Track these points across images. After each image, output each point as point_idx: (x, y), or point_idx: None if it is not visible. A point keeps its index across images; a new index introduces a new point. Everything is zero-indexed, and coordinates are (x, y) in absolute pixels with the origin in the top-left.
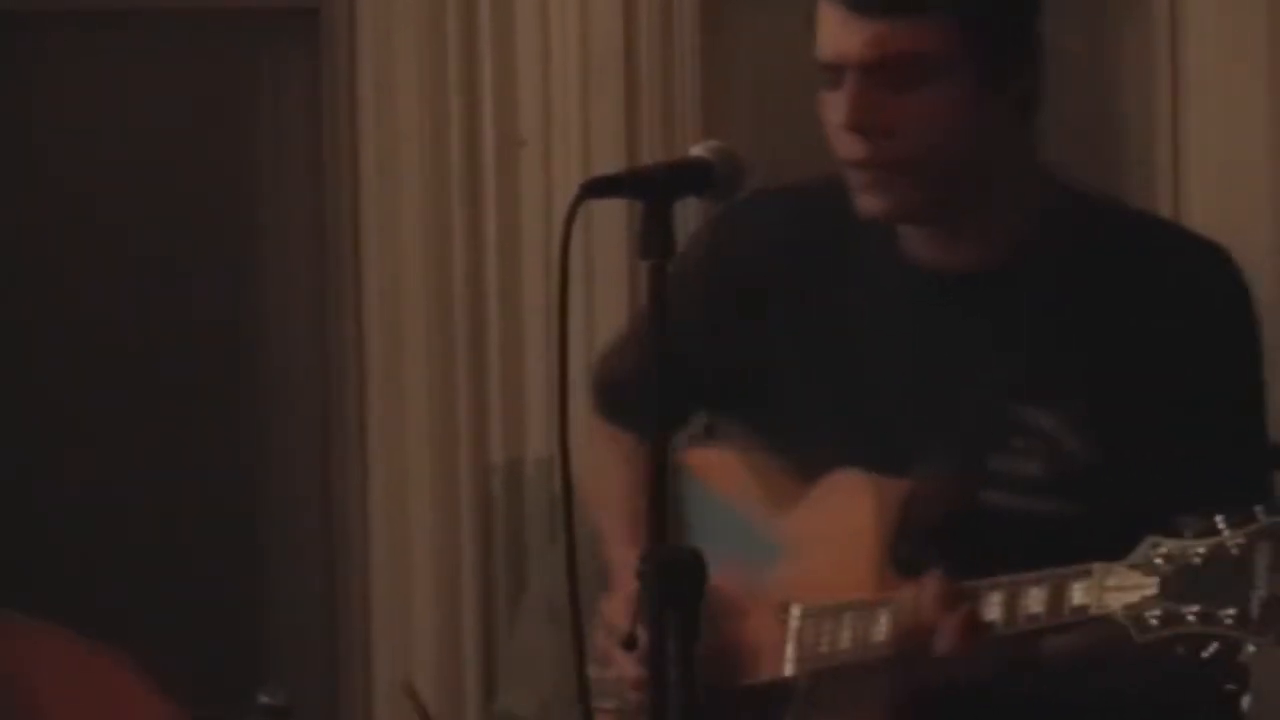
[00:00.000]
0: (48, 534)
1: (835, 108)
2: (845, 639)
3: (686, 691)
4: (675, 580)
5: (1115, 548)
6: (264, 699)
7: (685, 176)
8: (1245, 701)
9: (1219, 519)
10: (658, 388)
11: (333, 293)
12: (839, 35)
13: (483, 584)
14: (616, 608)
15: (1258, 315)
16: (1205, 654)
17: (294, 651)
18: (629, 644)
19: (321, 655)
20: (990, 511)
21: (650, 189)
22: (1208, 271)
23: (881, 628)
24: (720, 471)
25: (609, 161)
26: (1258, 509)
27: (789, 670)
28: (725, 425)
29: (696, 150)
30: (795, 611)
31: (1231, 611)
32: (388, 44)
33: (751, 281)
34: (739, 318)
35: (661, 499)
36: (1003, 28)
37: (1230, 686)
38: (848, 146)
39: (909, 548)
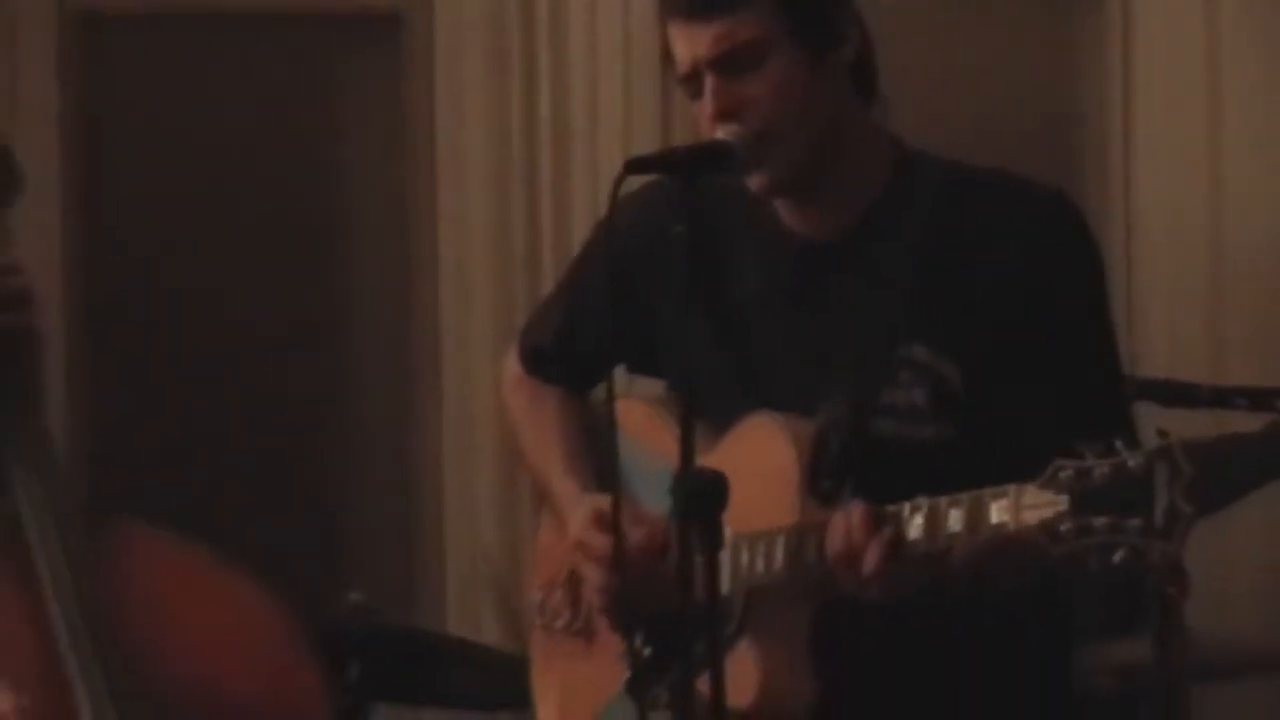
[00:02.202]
0: (167, 456)
1: (703, 108)
2: (779, 560)
3: (711, 592)
4: (705, 493)
5: (990, 467)
6: (353, 597)
7: (711, 156)
8: (1185, 604)
9: (1117, 443)
10: (687, 334)
11: (413, 257)
12: (690, 45)
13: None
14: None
15: (1098, 248)
16: (1115, 560)
17: (373, 553)
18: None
19: (399, 554)
20: (886, 440)
21: (681, 167)
22: (1047, 212)
23: (812, 550)
24: (638, 422)
25: (647, 145)
26: (1156, 432)
27: (724, 589)
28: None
29: (720, 134)
30: (731, 536)
31: (1137, 521)
32: (459, 45)
33: (640, 261)
34: (634, 293)
35: (688, 431)
36: (812, 9)
37: (1171, 590)
38: (728, 134)
39: (827, 480)
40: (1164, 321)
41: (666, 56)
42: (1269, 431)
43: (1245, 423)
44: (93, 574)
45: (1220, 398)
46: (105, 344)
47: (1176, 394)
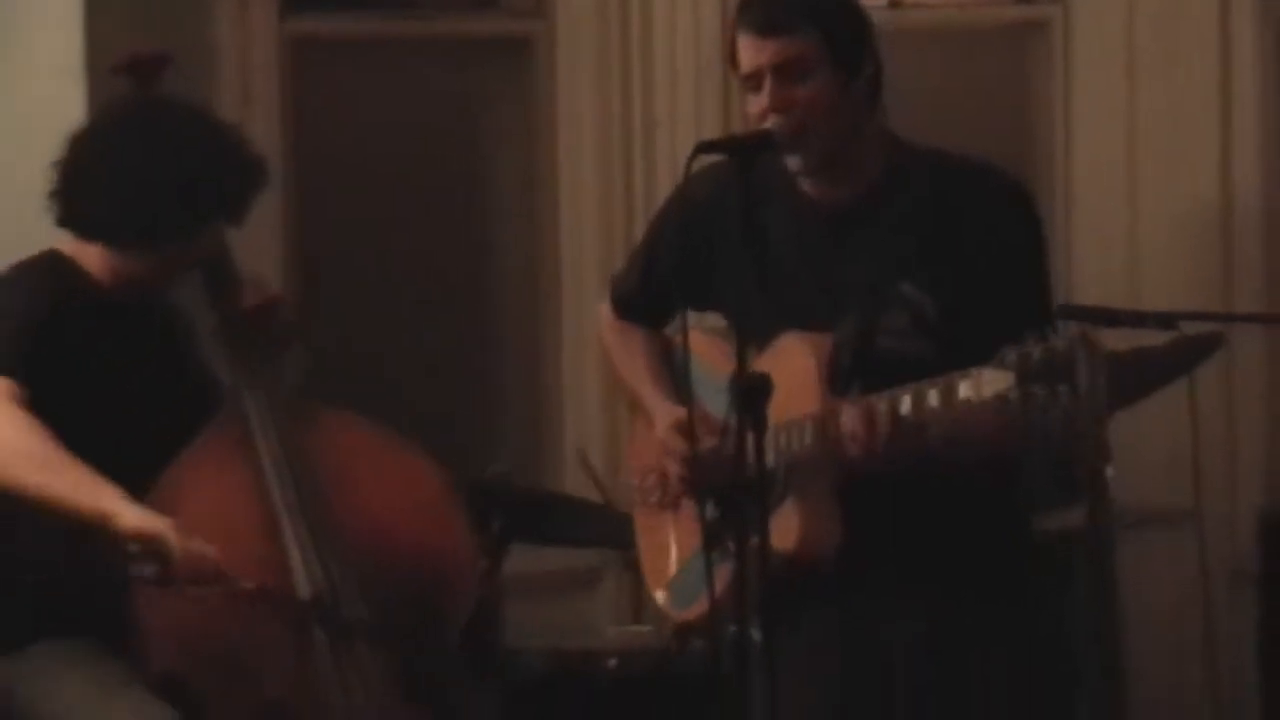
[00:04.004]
0: (364, 363)
1: (758, 102)
2: (809, 438)
3: (759, 462)
4: (752, 392)
5: (957, 370)
6: (496, 466)
7: (760, 141)
8: (1109, 471)
9: (1048, 332)
10: (740, 275)
11: (541, 220)
12: (754, 54)
13: None
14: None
15: (1040, 218)
16: (1052, 417)
17: (511, 434)
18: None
19: (530, 434)
20: (882, 352)
21: (738, 149)
22: (1005, 191)
23: (832, 430)
24: (704, 347)
25: (712, 133)
26: (1072, 324)
27: (769, 463)
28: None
29: (767, 125)
30: (771, 425)
31: (1065, 387)
32: (574, 62)
33: (702, 221)
34: (698, 245)
35: (742, 350)
36: (848, 40)
37: (1098, 461)
38: (770, 124)
39: (839, 380)
40: (1094, 264)
41: (731, 59)
42: (1172, 344)
43: (1155, 338)
44: (299, 448)
45: (1136, 319)
46: (313, 286)
47: (1103, 317)
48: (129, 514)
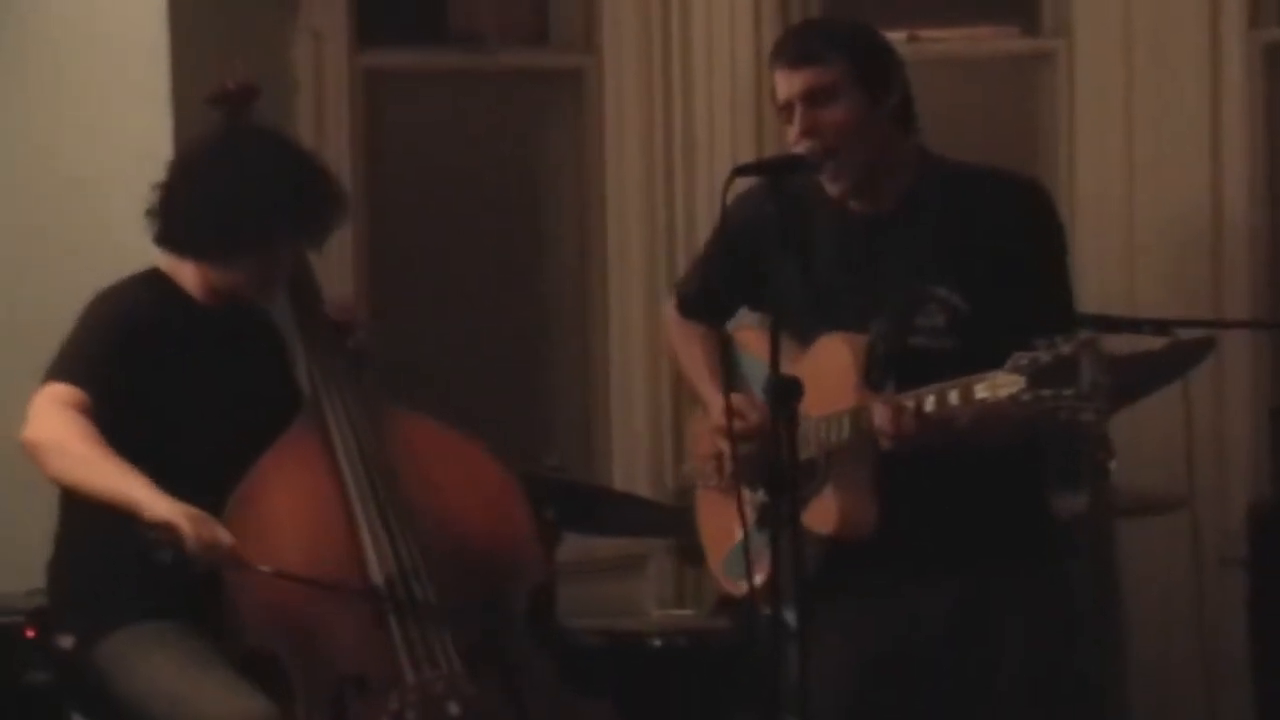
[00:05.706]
0: (430, 364)
1: (793, 129)
2: (847, 430)
3: (790, 451)
4: (785, 392)
5: (986, 367)
6: (551, 460)
7: (791, 164)
8: (1112, 465)
9: (1057, 339)
10: (779, 282)
11: (590, 234)
12: (787, 84)
13: (677, 386)
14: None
15: (1062, 223)
16: (1060, 418)
17: (565, 431)
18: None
19: (582, 432)
20: (918, 350)
21: (772, 171)
22: (1029, 197)
23: (866, 422)
24: (753, 342)
25: (747, 156)
26: (1080, 331)
27: (812, 452)
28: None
29: (799, 148)
30: (813, 418)
31: (1070, 391)
32: (620, 91)
33: (749, 235)
34: (749, 257)
35: (775, 350)
36: (874, 67)
37: (1101, 455)
38: (803, 149)
39: (875, 374)
40: (1095, 274)
41: (772, 94)
42: (1168, 348)
43: (1152, 343)
44: (373, 445)
45: (1134, 326)
46: (384, 296)
47: (1104, 324)
48: (155, 504)
